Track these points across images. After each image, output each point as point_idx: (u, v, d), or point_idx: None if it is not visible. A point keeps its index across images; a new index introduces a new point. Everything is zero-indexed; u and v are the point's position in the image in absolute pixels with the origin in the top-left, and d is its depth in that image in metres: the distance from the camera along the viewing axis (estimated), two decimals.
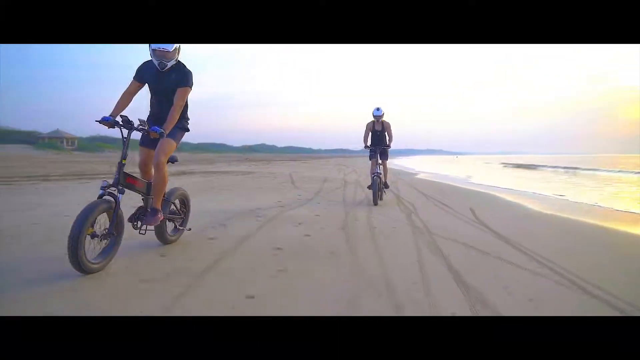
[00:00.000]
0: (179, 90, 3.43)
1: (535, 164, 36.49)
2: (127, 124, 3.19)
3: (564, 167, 27.28)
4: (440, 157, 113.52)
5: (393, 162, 39.19)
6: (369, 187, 7.86)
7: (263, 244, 4.09)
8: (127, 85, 3.50)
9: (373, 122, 7.99)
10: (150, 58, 3.44)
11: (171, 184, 4.06)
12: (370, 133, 8.02)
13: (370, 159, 7.89)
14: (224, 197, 7.80)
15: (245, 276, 3.09)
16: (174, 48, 3.35)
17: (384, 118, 7.95)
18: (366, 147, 8.01)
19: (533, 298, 2.75)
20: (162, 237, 3.81)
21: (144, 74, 3.49)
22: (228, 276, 3.07)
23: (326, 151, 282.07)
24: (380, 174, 7.64)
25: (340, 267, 3.38)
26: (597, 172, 22.80)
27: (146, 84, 3.56)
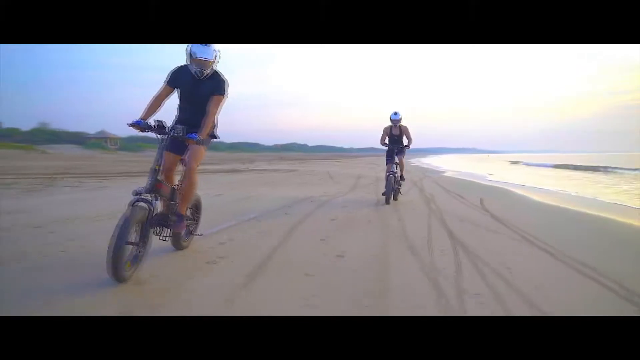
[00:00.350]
0: (215, 99, 3.45)
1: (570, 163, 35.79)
2: (162, 129, 3.19)
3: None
4: (472, 155, 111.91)
5: (421, 161, 40.53)
6: (383, 194, 7.64)
7: (322, 217, 5.97)
8: (159, 89, 3.46)
9: (390, 126, 8.07)
10: (184, 63, 3.47)
11: (227, 180, 5.97)
12: (387, 138, 8.12)
13: (386, 164, 7.97)
14: (281, 190, 9.76)
15: (317, 230, 4.98)
16: (214, 56, 3.39)
17: (402, 122, 8.00)
18: (383, 144, 8.12)
19: (500, 250, 4.39)
20: (178, 243, 3.80)
21: (177, 80, 3.49)
22: (305, 232, 4.95)
23: (357, 150, 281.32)
24: (396, 172, 7.78)
25: (375, 228, 5.22)
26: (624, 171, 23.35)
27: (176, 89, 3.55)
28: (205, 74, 3.43)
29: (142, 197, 2.99)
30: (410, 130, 8.06)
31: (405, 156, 8.24)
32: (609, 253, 4.33)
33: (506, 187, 11.96)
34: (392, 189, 7.58)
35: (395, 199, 7.84)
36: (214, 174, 14.42)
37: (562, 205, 8.09)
